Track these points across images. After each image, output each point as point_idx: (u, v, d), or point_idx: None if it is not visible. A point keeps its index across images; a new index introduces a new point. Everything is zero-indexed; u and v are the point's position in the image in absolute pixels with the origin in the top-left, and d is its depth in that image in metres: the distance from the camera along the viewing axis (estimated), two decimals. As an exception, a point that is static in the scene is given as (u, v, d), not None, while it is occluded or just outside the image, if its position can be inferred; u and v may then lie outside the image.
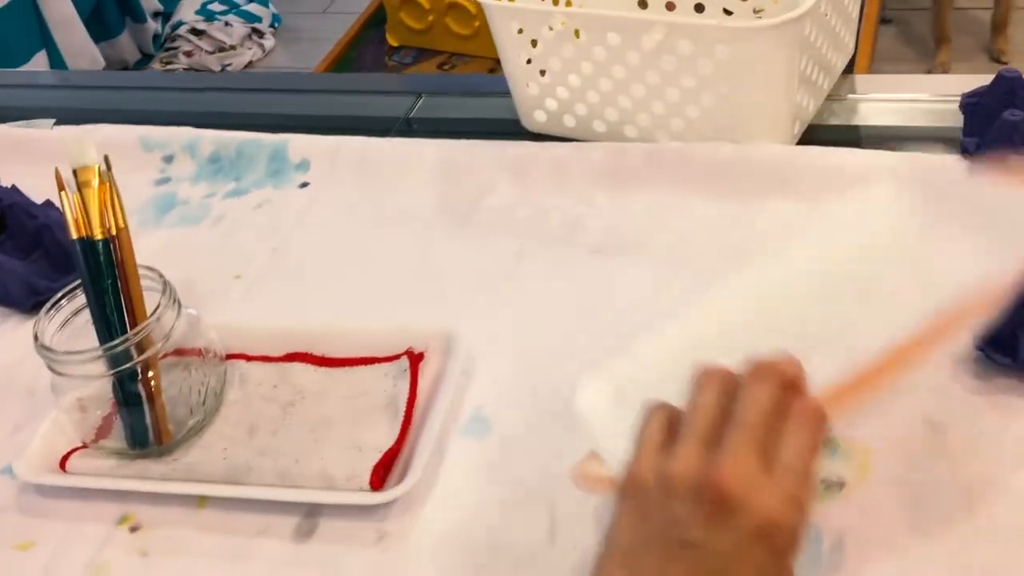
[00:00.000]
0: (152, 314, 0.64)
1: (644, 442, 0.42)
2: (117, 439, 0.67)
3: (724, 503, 0.38)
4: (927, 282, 0.49)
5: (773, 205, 0.75)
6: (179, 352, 0.67)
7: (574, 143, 0.84)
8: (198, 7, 2.90)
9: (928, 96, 0.83)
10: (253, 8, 2.92)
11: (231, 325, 0.72)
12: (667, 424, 0.43)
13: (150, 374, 0.65)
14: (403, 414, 0.65)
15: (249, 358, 0.72)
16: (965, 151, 0.72)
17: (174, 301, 0.66)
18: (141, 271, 0.67)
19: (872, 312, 0.50)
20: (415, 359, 0.68)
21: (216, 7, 2.89)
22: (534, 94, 0.86)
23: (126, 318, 0.66)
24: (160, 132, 0.98)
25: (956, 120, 0.78)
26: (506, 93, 0.96)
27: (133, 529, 0.63)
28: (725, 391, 0.42)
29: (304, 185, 0.91)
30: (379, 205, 0.86)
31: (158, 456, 0.66)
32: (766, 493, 0.38)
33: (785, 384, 0.42)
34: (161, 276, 0.66)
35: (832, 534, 0.53)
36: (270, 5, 2.98)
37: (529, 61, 0.84)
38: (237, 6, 2.90)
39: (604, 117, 0.83)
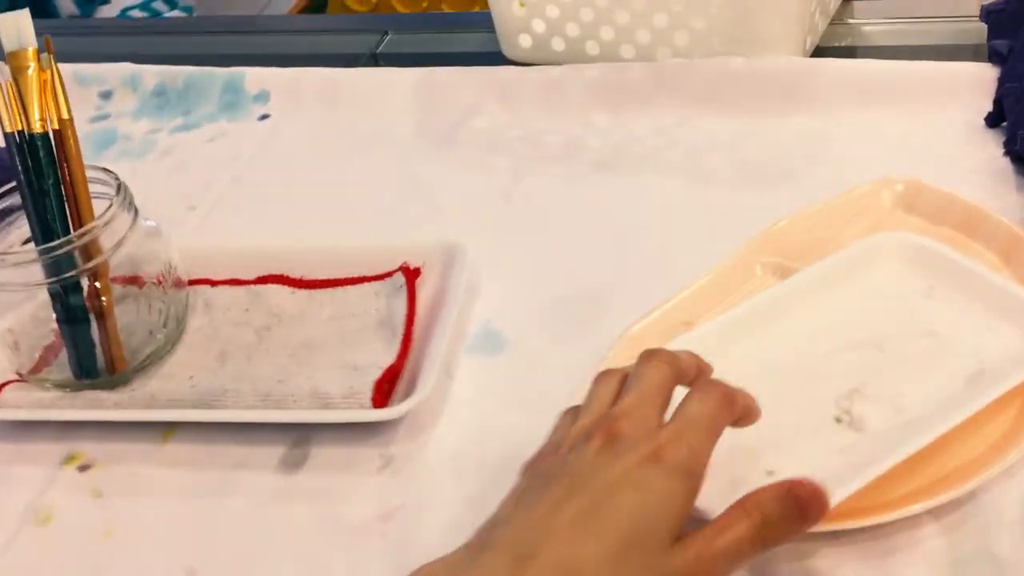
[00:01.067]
0: (101, 216, 0.55)
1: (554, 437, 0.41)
2: (61, 370, 0.57)
3: (615, 438, 0.37)
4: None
5: (788, 120, 0.69)
6: (133, 279, 0.57)
7: (566, 65, 0.77)
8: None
9: (936, 15, 0.79)
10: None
11: (190, 249, 0.63)
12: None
13: (98, 285, 0.55)
14: (402, 332, 0.56)
15: (214, 283, 0.63)
16: (996, 55, 0.67)
17: (129, 205, 0.56)
18: (90, 172, 0.57)
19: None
20: (411, 274, 0.60)
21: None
22: (519, 15, 0.79)
23: (71, 225, 0.56)
24: (96, 68, 0.89)
25: (972, 37, 0.74)
26: (482, 27, 0.89)
27: (83, 468, 0.53)
28: (622, 382, 0.41)
29: (264, 117, 0.82)
30: (351, 132, 0.78)
31: (110, 388, 0.56)
32: (661, 435, 0.37)
33: (682, 370, 0.40)
34: (116, 177, 0.57)
35: None
36: None
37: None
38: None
39: (598, 36, 0.77)
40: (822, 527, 0.38)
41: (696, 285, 0.55)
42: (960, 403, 0.42)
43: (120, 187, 0.56)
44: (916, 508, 0.42)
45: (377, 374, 0.53)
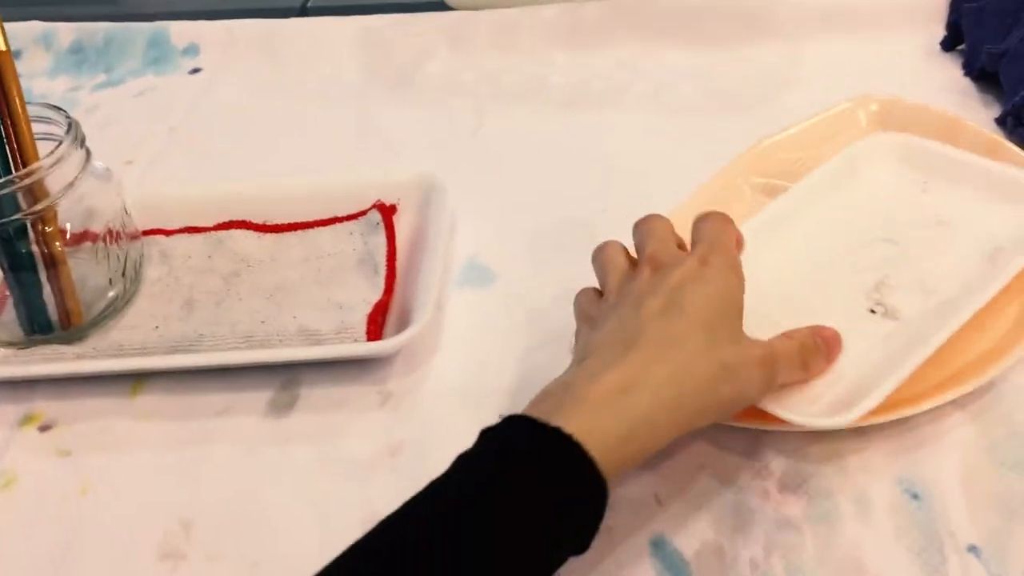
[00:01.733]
0: (49, 154, 0.50)
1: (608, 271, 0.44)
2: (9, 328, 0.52)
3: (660, 265, 0.41)
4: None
5: (751, 50, 0.69)
6: (84, 233, 0.52)
7: (519, 7, 0.75)
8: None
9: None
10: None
11: (138, 198, 0.58)
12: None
13: (48, 230, 0.50)
14: (385, 268, 0.53)
15: (169, 232, 0.58)
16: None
17: (80, 144, 0.52)
18: (35, 109, 0.52)
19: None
20: (387, 211, 0.57)
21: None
22: (465, -42, 0.77)
23: (11, 165, 0.51)
24: (1, 26, 0.82)
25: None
26: (418, -23, 0.87)
27: (43, 428, 0.48)
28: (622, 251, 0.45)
29: (196, 71, 0.78)
30: (294, 83, 0.74)
31: (66, 344, 0.51)
32: (696, 251, 0.41)
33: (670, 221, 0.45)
34: (66, 115, 0.52)
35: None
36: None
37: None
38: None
39: (549, -23, 0.75)
40: (852, 424, 0.38)
41: (684, 208, 0.53)
42: (986, 279, 0.42)
43: (71, 125, 0.51)
44: (944, 398, 0.41)
45: (367, 309, 0.50)
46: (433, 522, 0.33)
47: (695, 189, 0.54)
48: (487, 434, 0.35)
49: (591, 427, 0.34)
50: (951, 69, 0.64)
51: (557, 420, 0.34)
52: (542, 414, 0.35)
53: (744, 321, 0.40)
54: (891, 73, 0.65)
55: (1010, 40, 0.59)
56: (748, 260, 0.42)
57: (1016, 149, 0.52)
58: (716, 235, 0.42)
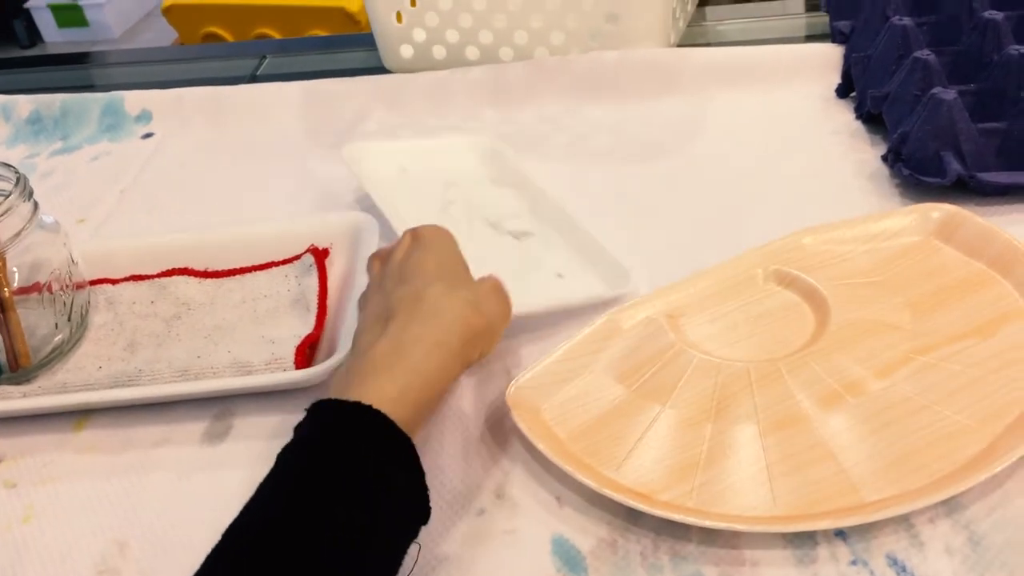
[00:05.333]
0: (-1, 207, 0.54)
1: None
2: (-43, 370, 0.55)
3: (384, 256, 0.50)
4: None
5: (663, 103, 0.74)
6: (34, 286, 0.56)
7: (449, 69, 0.81)
8: None
9: (784, 12, 0.87)
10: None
11: (86, 251, 0.62)
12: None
13: (-2, 278, 0.54)
14: (316, 306, 0.57)
15: (115, 281, 0.62)
16: (839, 34, 0.74)
17: (28, 196, 0.56)
18: (-16, 167, 0.56)
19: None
20: (320, 254, 0.60)
21: None
22: (400, 26, 0.82)
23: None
24: (-41, 102, 0.87)
25: (815, 28, 0.82)
26: (360, 47, 0.92)
27: (-9, 463, 0.51)
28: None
29: (148, 136, 0.82)
30: (240, 143, 0.79)
31: (14, 384, 0.55)
32: (411, 230, 0.50)
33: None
34: (15, 171, 0.56)
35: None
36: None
37: (394, -12, 0.80)
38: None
39: (477, 41, 0.81)
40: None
41: (692, 282, 0.54)
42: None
43: (20, 179, 0.55)
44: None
45: (296, 342, 0.54)
46: (270, 519, 0.37)
47: (708, 268, 0.54)
48: (300, 426, 0.40)
49: (379, 392, 0.40)
50: (845, 113, 0.70)
51: (350, 395, 0.39)
52: (338, 394, 0.40)
53: None
54: (792, 117, 0.71)
55: (891, 85, 0.64)
56: None
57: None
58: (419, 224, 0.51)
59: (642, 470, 0.44)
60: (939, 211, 0.54)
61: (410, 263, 0.47)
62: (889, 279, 0.52)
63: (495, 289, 0.48)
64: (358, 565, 0.36)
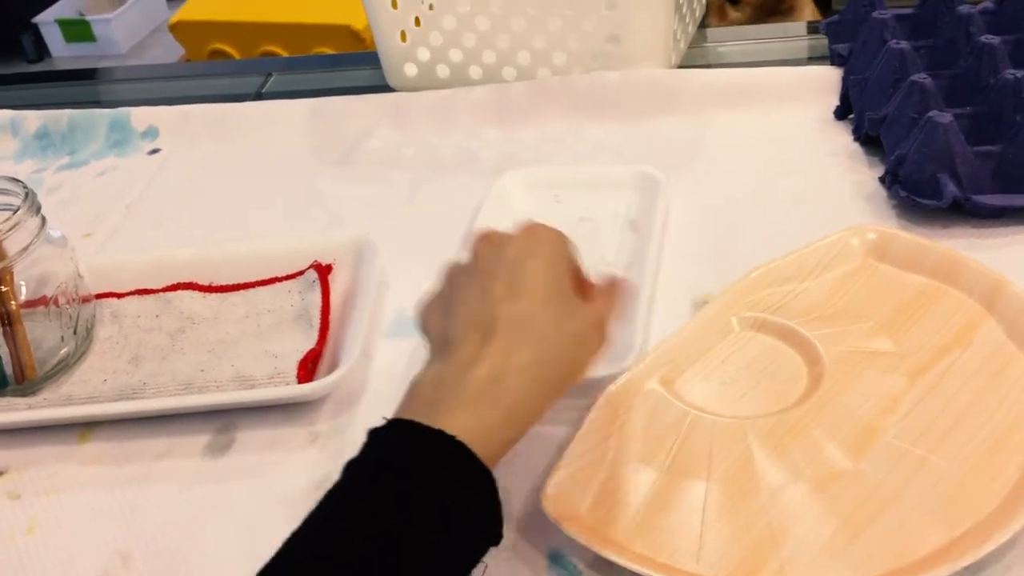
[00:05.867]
0: (7, 220, 0.55)
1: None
2: (-36, 382, 0.55)
3: (490, 238, 0.45)
4: None
5: (663, 123, 0.75)
6: (41, 299, 0.57)
7: (453, 88, 0.82)
8: None
9: (783, 35, 0.88)
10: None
11: (92, 265, 0.63)
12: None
13: (4, 289, 0.55)
14: (319, 322, 0.58)
15: (120, 295, 0.63)
16: (838, 56, 0.75)
17: (36, 211, 0.56)
18: (-6, 181, 0.57)
19: None
20: (324, 271, 0.61)
21: None
22: (404, 45, 0.83)
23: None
24: (-32, 117, 0.88)
25: (815, 51, 0.83)
26: (365, 65, 0.93)
27: (-4, 475, 0.52)
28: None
29: (155, 152, 0.83)
30: (245, 160, 0.80)
31: (21, 396, 0.55)
32: (525, 227, 0.45)
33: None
34: (23, 186, 0.57)
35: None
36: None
37: (395, 6, 0.81)
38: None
39: (481, 61, 0.82)
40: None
41: (672, 341, 0.53)
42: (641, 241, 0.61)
43: (27, 194, 0.56)
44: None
45: (299, 356, 0.54)
46: (337, 537, 0.36)
47: (681, 326, 0.54)
48: (374, 439, 0.39)
49: (470, 423, 0.38)
50: (843, 135, 0.71)
51: (439, 421, 0.38)
52: (423, 416, 0.38)
53: None
54: (791, 138, 0.71)
55: (888, 107, 0.65)
56: None
57: (1017, 289, 0.51)
58: (529, 222, 0.46)
59: (718, 554, 0.42)
60: (871, 232, 0.56)
61: (523, 270, 0.43)
62: (847, 307, 0.53)
63: (597, 326, 0.44)
64: None
